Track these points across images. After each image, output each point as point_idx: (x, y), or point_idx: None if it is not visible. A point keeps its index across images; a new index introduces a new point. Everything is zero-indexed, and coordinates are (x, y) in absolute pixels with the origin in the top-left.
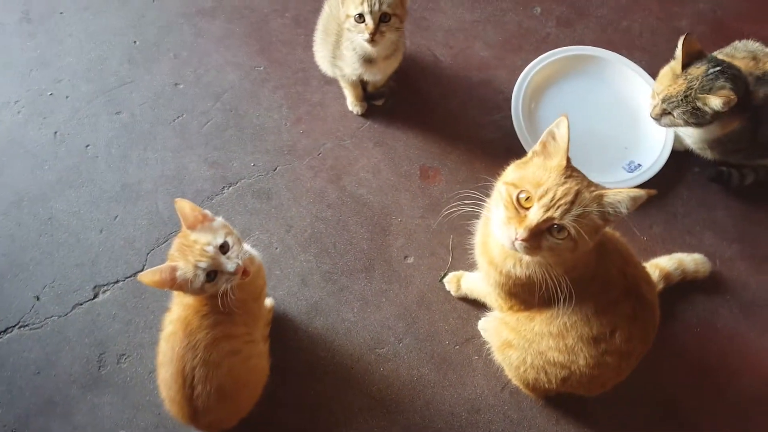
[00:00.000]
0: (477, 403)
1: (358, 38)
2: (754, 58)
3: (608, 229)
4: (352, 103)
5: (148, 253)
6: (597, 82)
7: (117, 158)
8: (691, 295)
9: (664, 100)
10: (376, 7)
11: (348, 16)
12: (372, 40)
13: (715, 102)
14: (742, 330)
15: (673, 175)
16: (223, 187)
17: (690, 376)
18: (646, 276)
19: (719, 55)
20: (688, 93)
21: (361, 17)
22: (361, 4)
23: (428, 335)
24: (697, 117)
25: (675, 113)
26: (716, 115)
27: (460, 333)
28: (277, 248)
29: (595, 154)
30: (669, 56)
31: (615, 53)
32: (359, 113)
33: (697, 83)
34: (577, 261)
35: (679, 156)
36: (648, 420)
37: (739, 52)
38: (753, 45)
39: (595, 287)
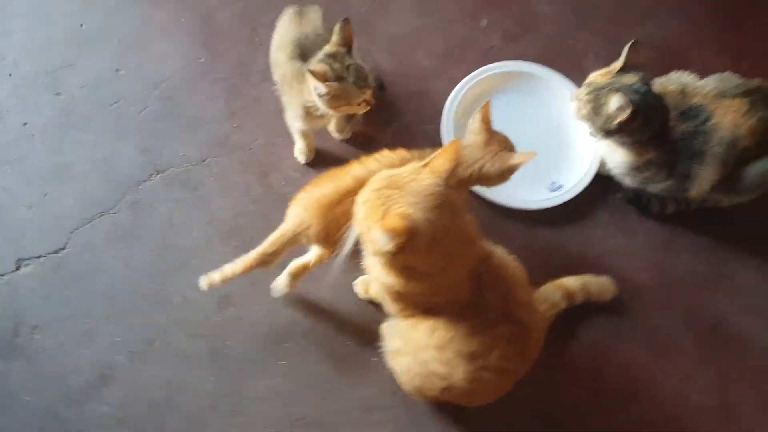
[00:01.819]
0: (371, 403)
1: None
2: (682, 92)
3: (503, 258)
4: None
5: (72, 231)
6: (532, 100)
7: (53, 138)
8: (596, 316)
9: (588, 85)
10: (369, 79)
11: (340, 100)
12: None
13: (612, 102)
14: (641, 356)
15: (595, 198)
16: (151, 174)
17: (583, 396)
18: (527, 301)
19: (654, 84)
20: (605, 87)
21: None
22: (360, 91)
23: (334, 334)
24: (597, 116)
25: (584, 99)
26: (610, 128)
27: (365, 334)
28: (196, 237)
29: (522, 170)
30: None
31: (553, 71)
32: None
33: (617, 86)
34: (439, 288)
35: (605, 180)
36: None
37: (672, 84)
38: (687, 78)
39: (473, 310)
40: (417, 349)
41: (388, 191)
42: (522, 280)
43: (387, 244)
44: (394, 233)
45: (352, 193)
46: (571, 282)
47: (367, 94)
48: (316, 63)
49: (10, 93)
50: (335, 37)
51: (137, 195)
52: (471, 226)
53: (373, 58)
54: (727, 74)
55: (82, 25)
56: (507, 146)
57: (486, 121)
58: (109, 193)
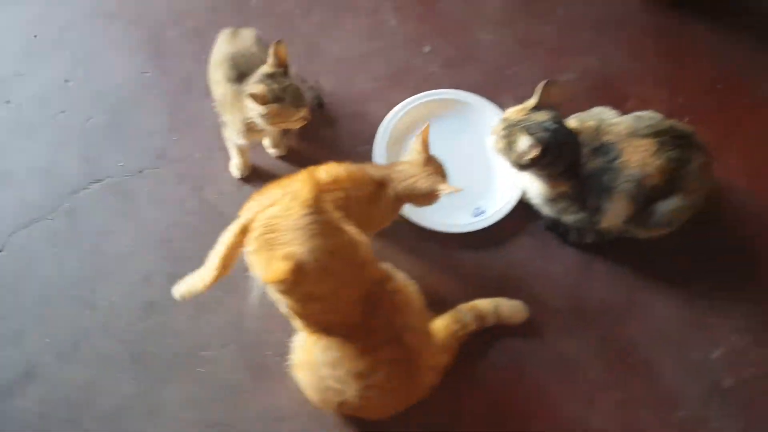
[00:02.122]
0: (282, 413)
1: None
2: (597, 128)
3: (399, 283)
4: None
5: (9, 235)
6: (464, 127)
7: None
8: (508, 338)
9: (504, 120)
10: (306, 96)
11: (279, 118)
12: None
13: (521, 141)
14: (548, 379)
15: (518, 224)
16: (90, 183)
17: (485, 415)
18: (418, 327)
19: (575, 118)
20: (517, 124)
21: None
22: (298, 109)
23: (253, 344)
24: (510, 151)
25: (501, 136)
26: (522, 164)
27: (282, 346)
28: (127, 246)
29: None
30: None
31: (486, 100)
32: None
33: (528, 123)
34: (333, 308)
35: (529, 208)
36: None
37: (590, 119)
38: (606, 114)
39: (362, 332)
40: (315, 365)
41: (269, 234)
42: (416, 306)
43: (278, 288)
44: (279, 280)
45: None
46: (483, 304)
47: (304, 112)
48: (255, 85)
49: None
50: (271, 59)
51: (74, 202)
52: (363, 249)
53: (316, 78)
54: (647, 113)
55: (35, 36)
56: (441, 172)
57: (425, 143)
58: (47, 199)
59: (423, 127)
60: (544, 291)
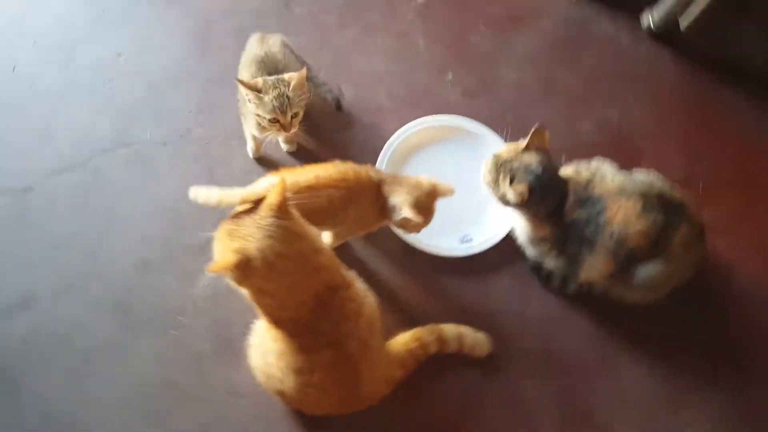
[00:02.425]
0: (240, 389)
1: (272, 133)
2: (590, 180)
3: (358, 292)
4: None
5: (42, 178)
6: (468, 155)
7: (49, 100)
8: (468, 369)
9: (494, 155)
10: (288, 110)
11: (260, 116)
12: (287, 134)
13: (510, 194)
14: (500, 419)
15: (504, 259)
16: (118, 147)
17: None
18: (364, 338)
19: (573, 166)
20: (505, 164)
21: (274, 120)
22: (272, 110)
23: (225, 320)
24: (496, 187)
25: (488, 168)
26: (507, 201)
27: (250, 324)
28: (137, 208)
29: (442, 217)
30: (556, 152)
31: (493, 134)
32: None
33: (516, 165)
34: (284, 304)
35: (517, 247)
36: None
37: (586, 171)
38: (605, 168)
39: (307, 331)
40: (264, 351)
41: (233, 226)
42: (366, 318)
43: (227, 277)
44: (225, 269)
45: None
46: (447, 329)
47: (281, 117)
48: (254, 78)
49: (31, 55)
50: (294, 79)
51: (101, 161)
52: (321, 255)
53: (339, 85)
54: (644, 174)
55: (105, 9)
56: (424, 208)
57: (435, 186)
58: (79, 155)
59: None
60: (515, 330)
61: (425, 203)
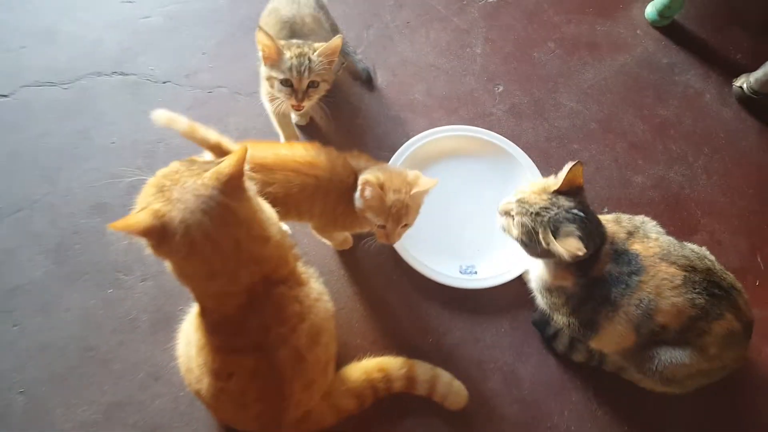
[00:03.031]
0: (161, 372)
1: (283, 100)
2: (630, 233)
3: (309, 296)
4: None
5: (22, 86)
6: (494, 178)
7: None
8: (434, 420)
9: (518, 200)
10: (306, 74)
11: (272, 78)
12: (298, 107)
13: (558, 250)
14: None
15: (508, 302)
16: (114, 72)
17: None
18: (300, 347)
19: (613, 216)
20: (541, 213)
21: (287, 82)
22: (289, 69)
23: (170, 293)
24: (529, 241)
25: (516, 220)
26: (546, 254)
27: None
28: (114, 142)
29: (446, 239)
30: (595, 203)
31: (532, 162)
32: None
33: (555, 212)
34: (206, 292)
35: (528, 292)
36: None
37: (629, 222)
38: (649, 225)
39: (230, 328)
40: (188, 341)
41: (166, 182)
42: (314, 326)
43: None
44: (132, 230)
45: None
46: (421, 368)
47: (295, 81)
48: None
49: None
50: (324, 45)
51: (92, 83)
52: (266, 246)
53: (373, 64)
54: (696, 247)
55: None
56: (400, 205)
57: (425, 184)
58: (71, 69)
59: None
60: (500, 389)
61: (401, 195)
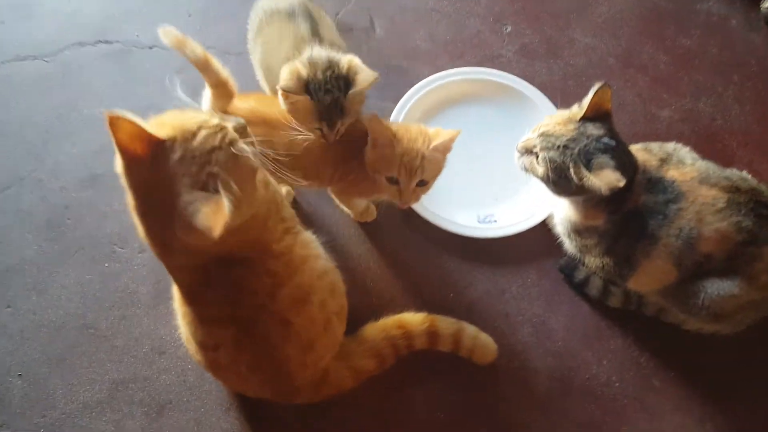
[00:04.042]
0: (165, 346)
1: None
2: (662, 160)
3: (292, 264)
4: None
5: (2, 62)
6: (508, 122)
7: None
8: (462, 376)
9: (541, 134)
10: (339, 122)
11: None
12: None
13: (595, 183)
14: None
15: (533, 250)
16: (99, 42)
17: None
18: (277, 311)
19: (643, 146)
20: (570, 145)
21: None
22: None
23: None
24: (559, 179)
25: (541, 156)
26: (579, 190)
27: None
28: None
29: (462, 188)
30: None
31: (551, 103)
32: None
33: (584, 143)
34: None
35: (553, 238)
36: None
37: (661, 149)
38: (683, 151)
39: (211, 296)
40: (177, 309)
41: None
42: (299, 289)
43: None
44: (121, 130)
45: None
46: (443, 322)
47: (325, 128)
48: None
49: None
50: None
51: (75, 54)
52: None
53: (370, 15)
54: (736, 171)
55: None
56: (408, 155)
57: (446, 138)
58: (53, 42)
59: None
60: (531, 341)
61: (417, 144)
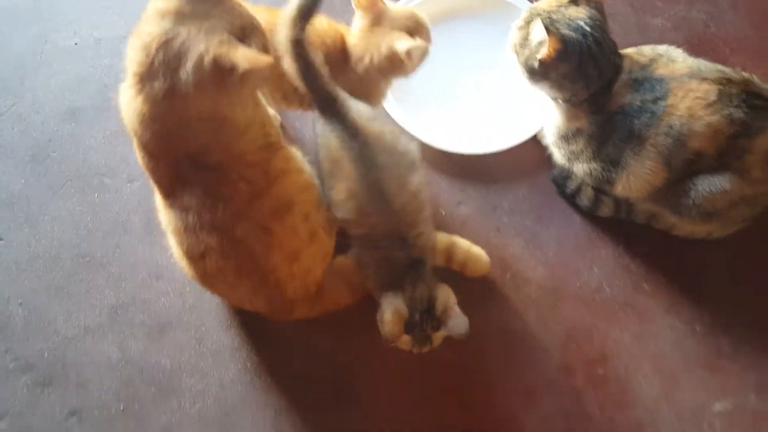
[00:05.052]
0: (162, 271)
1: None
2: (652, 59)
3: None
4: None
5: None
6: (497, 37)
7: None
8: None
9: (530, 10)
10: None
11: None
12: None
13: (534, 31)
14: (484, 354)
15: (525, 167)
16: None
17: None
18: (256, 219)
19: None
20: (541, 14)
21: None
22: None
23: None
24: (523, 48)
25: (519, 27)
26: (533, 66)
27: None
28: (84, 41)
29: (451, 105)
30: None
31: None
32: None
33: (556, 17)
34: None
35: (545, 153)
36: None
37: (651, 52)
38: (675, 52)
39: (188, 200)
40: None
41: None
42: (279, 200)
43: None
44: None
45: None
46: (439, 237)
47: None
48: None
49: None
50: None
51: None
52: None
53: None
54: (731, 70)
55: None
56: (405, 26)
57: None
58: None
59: None
60: (522, 254)
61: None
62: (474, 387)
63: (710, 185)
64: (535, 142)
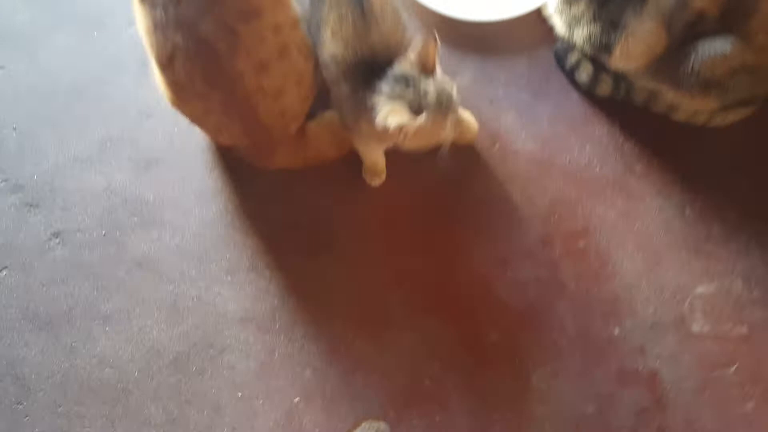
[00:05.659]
0: (153, 110)
1: None
2: None
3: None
4: None
5: None
6: None
7: None
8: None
9: None
10: None
11: None
12: None
13: None
14: (466, 220)
15: (527, 40)
16: None
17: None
18: (221, 17)
19: None
20: None
21: None
22: None
23: None
24: None
25: None
26: None
27: None
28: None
29: None
30: None
31: None
32: None
33: None
34: None
35: (548, 28)
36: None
37: None
38: None
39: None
40: None
41: None
42: (242, 9)
43: None
44: None
45: None
46: None
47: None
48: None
49: None
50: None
51: None
52: None
53: None
54: None
55: None
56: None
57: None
58: None
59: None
60: (513, 126)
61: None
62: (448, 246)
63: (710, 49)
64: (539, 17)
